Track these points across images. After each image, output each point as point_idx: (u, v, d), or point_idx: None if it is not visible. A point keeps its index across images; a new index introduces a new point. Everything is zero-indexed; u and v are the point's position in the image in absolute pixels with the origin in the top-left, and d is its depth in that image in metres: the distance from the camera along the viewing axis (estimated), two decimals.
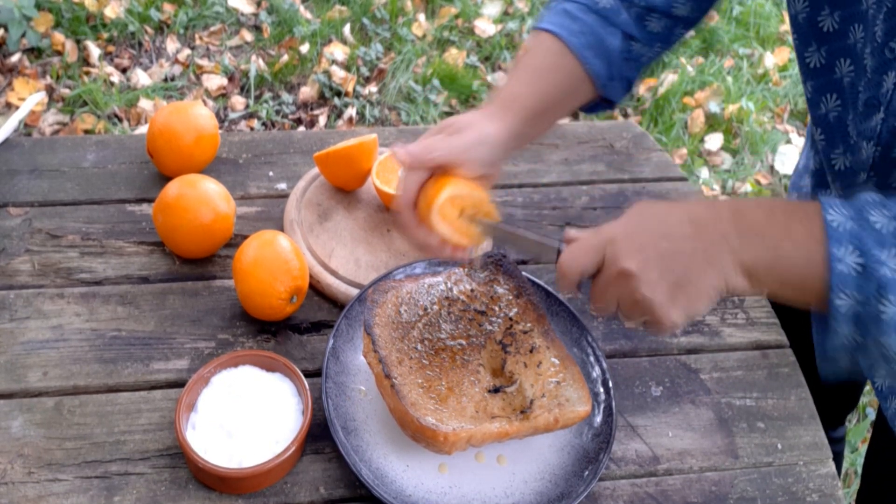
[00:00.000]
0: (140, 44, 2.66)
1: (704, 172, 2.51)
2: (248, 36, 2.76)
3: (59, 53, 2.56)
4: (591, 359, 0.87)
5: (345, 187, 1.05)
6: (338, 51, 2.71)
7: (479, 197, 0.76)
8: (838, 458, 1.27)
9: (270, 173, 1.09)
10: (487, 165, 0.79)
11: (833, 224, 0.63)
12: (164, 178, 1.04)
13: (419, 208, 0.76)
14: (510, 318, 0.83)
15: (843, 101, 0.81)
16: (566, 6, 0.89)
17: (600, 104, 0.95)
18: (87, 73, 2.51)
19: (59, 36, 2.58)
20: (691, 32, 0.93)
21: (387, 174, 1.01)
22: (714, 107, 2.67)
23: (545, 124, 0.89)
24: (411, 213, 0.76)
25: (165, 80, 2.56)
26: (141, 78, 2.53)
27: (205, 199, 0.93)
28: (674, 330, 0.69)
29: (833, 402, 0.99)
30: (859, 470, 1.77)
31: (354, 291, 0.92)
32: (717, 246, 0.66)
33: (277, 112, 2.51)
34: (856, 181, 0.82)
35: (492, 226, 0.76)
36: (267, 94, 2.55)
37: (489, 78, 2.72)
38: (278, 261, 0.86)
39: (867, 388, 1.52)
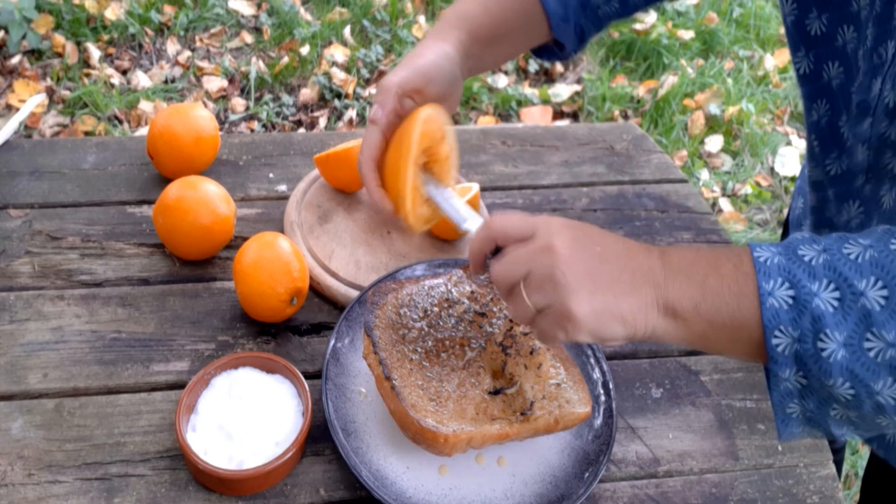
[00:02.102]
0: (140, 46, 2.67)
1: (705, 174, 2.51)
2: (249, 38, 2.76)
3: (60, 55, 2.56)
4: (592, 360, 0.87)
5: (345, 189, 1.05)
6: (338, 53, 2.71)
7: (438, 137, 0.76)
8: (836, 468, 1.26)
9: (270, 175, 1.09)
10: (450, 82, 0.80)
11: (761, 259, 0.59)
12: (165, 180, 1.04)
13: (383, 168, 0.77)
14: (510, 320, 0.83)
15: (834, 105, 0.81)
16: None
17: (553, 51, 0.96)
18: (88, 75, 2.51)
19: (59, 38, 2.59)
20: (652, 10, 0.94)
21: None
22: (714, 109, 2.67)
23: (498, 52, 0.89)
24: (372, 172, 0.77)
25: (166, 81, 2.56)
26: (141, 80, 2.53)
27: (205, 200, 0.93)
28: (572, 330, 0.62)
29: None
30: (860, 472, 1.77)
31: (354, 293, 0.92)
32: (643, 276, 0.62)
33: (277, 114, 2.51)
34: (853, 185, 0.81)
35: (431, 189, 0.77)
36: (267, 96, 2.56)
37: (489, 80, 2.73)
38: (278, 262, 0.86)
39: None
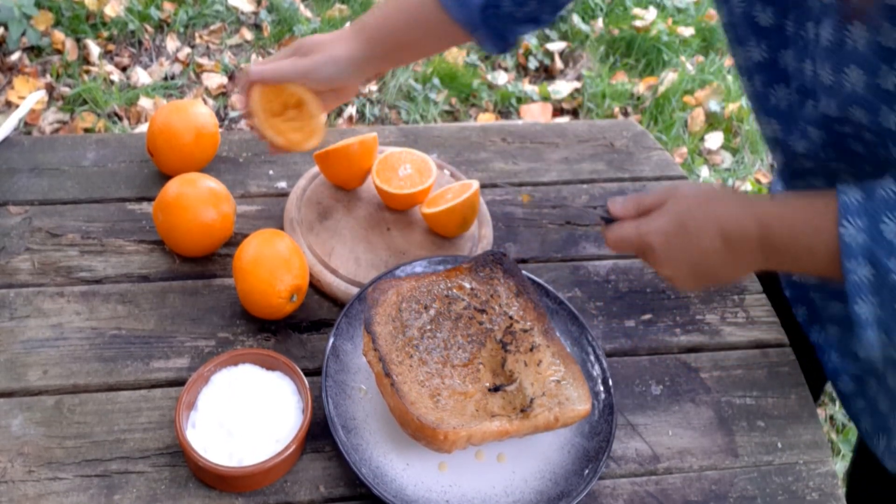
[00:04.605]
0: (140, 42, 2.66)
1: (705, 171, 2.51)
2: (248, 34, 2.76)
3: (59, 52, 2.56)
4: (591, 357, 0.87)
5: (345, 186, 1.05)
6: None
7: (297, 90, 0.93)
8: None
9: (270, 172, 1.09)
10: (335, 82, 0.93)
11: (846, 238, 0.67)
12: (164, 177, 1.04)
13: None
14: (510, 317, 0.83)
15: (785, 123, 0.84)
16: None
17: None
18: (87, 72, 2.51)
19: (59, 34, 2.58)
20: (569, 4, 0.96)
21: (387, 173, 1.02)
22: (714, 105, 2.67)
23: (407, 56, 1.00)
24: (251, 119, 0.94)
25: (165, 78, 2.56)
26: (141, 76, 2.53)
27: (205, 197, 0.93)
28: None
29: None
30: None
31: (354, 290, 0.92)
32: (745, 262, 0.76)
33: None
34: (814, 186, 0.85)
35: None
36: None
37: (489, 77, 2.72)
38: (278, 259, 0.86)
39: None
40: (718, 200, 0.78)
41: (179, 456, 0.78)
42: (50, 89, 2.45)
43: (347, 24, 0.96)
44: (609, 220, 0.85)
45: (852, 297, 0.68)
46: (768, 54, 0.81)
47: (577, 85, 2.75)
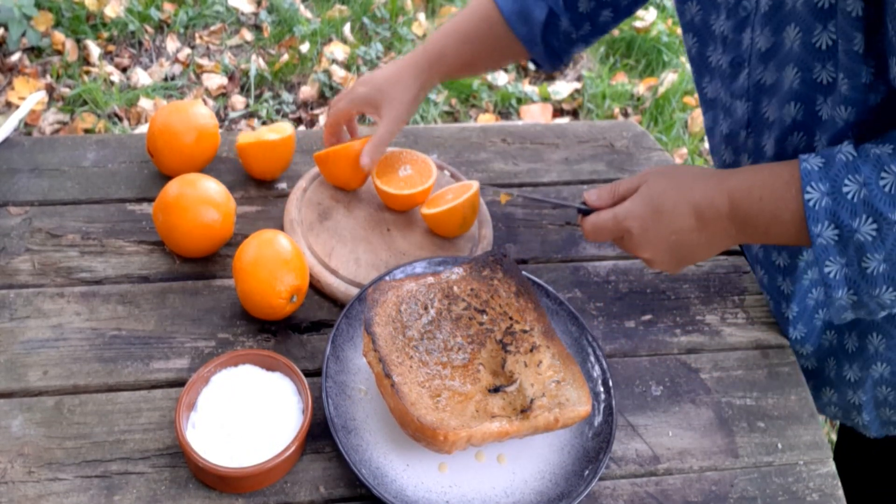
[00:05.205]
0: (140, 43, 2.66)
1: None
2: (249, 35, 2.76)
3: (60, 53, 2.56)
4: (592, 358, 0.87)
5: (345, 186, 1.05)
6: (338, 50, 2.71)
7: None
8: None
9: None
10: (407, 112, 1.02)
11: (811, 203, 0.71)
12: (164, 178, 1.04)
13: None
14: (510, 318, 0.83)
15: (701, 39, 0.91)
16: None
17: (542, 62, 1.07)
18: (88, 73, 2.51)
19: (59, 35, 2.59)
20: (624, 21, 1.06)
21: (387, 173, 1.02)
22: None
23: (467, 73, 1.07)
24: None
25: (165, 79, 2.56)
26: (141, 77, 2.53)
27: (205, 198, 0.93)
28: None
29: None
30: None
31: (354, 290, 0.92)
32: (718, 237, 0.80)
33: (277, 111, 2.51)
34: (738, 141, 0.90)
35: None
36: (267, 94, 2.56)
37: (489, 77, 2.72)
38: (278, 260, 0.86)
39: None
40: (690, 180, 0.81)
41: (179, 457, 0.78)
42: (50, 90, 2.45)
43: (419, 48, 1.02)
44: (586, 211, 0.88)
45: (821, 260, 0.71)
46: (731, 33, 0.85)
47: (577, 86, 2.75)
